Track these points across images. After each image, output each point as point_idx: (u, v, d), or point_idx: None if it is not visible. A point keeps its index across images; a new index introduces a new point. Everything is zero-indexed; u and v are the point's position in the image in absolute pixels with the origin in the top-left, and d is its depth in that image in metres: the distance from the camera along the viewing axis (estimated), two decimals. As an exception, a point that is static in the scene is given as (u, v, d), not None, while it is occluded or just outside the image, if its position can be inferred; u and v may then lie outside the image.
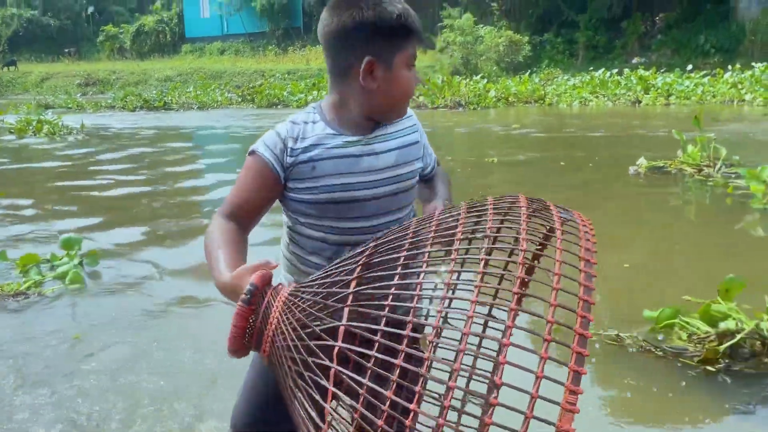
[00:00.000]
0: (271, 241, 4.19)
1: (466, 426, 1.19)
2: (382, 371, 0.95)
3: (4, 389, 2.82)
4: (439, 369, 1.56)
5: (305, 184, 1.37)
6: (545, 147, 10.27)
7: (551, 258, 0.95)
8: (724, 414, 2.48)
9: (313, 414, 0.99)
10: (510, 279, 1.13)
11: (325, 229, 1.41)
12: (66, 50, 42.33)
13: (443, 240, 1.09)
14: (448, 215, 1.15)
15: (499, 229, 1.23)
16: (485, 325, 1.40)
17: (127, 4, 48.13)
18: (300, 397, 1.02)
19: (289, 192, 1.40)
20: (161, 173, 8.89)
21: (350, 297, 1.04)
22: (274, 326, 1.07)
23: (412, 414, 0.88)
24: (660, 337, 3.08)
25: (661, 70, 21.00)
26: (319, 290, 1.10)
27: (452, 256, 1.03)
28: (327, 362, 0.98)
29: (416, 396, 0.90)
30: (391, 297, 1.01)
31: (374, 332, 0.98)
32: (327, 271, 1.15)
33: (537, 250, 1.23)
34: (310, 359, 1.01)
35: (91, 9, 45.41)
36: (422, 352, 0.96)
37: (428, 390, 1.36)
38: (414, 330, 0.95)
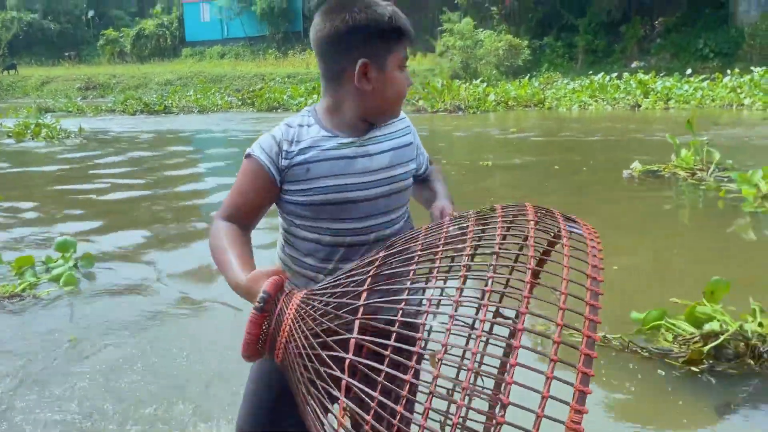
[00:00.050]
0: (269, 245, 4.18)
1: None
2: (390, 385, 0.96)
3: (0, 391, 2.83)
4: (443, 387, 1.56)
5: (300, 186, 1.38)
6: (541, 151, 10.31)
7: (557, 275, 0.94)
8: (706, 413, 2.52)
9: (325, 421, 1.00)
10: (517, 297, 1.13)
11: (320, 231, 1.42)
12: (66, 54, 42.39)
13: (452, 255, 1.10)
14: (457, 226, 1.16)
15: (504, 237, 1.23)
16: (487, 343, 1.41)
17: (128, 8, 48.25)
18: (312, 404, 1.03)
19: (284, 194, 1.41)
20: (159, 177, 8.90)
21: (360, 310, 1.05)
22: (287, 333, 1.09)
23: (420, 429, 0.89)
24: (645, 338, 3.11)
25: (661, 74, 21.03)
26: (330, 300, 1.11)
27: (461, 273, 1.04)
28: (338, 373, 0.99)
29: (425, 411, 0.91)
30: (400, 313, 1.02)
31: (382, 344, 0.99)
32: (336, 279, 1.16)
33: (542, 257, 1.23)
34: (322, 369, 1.02)
35: (91, 13, 45.51)
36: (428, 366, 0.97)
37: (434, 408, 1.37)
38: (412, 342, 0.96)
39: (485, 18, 28.69)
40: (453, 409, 1.40)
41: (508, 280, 1.25)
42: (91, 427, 2.53)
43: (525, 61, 26.40)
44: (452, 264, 1.12)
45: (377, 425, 0.92)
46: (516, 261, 1.27)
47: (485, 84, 21.84)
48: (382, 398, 0.94)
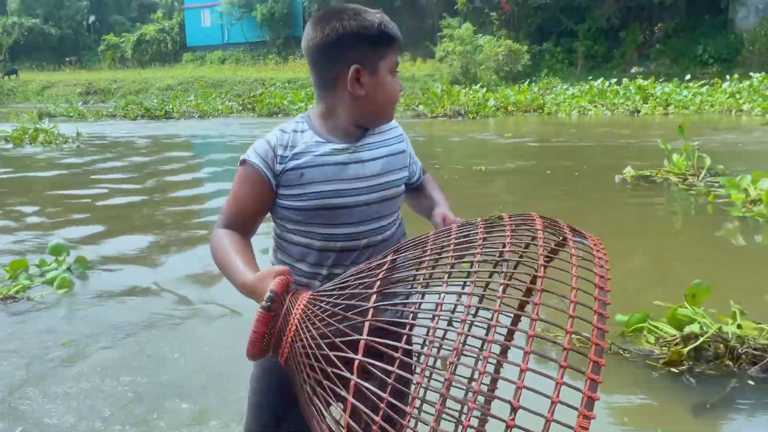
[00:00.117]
0: (265, 250, 4.19)
1: None
2: (400, 385, 0.97)
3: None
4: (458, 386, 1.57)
5: (294, 191, 1.40)
6: (536, 156, 10.36)
7: (566, 284, 0.96)
8: (683, 413, 2.57)
9: (330, 421, 1.01)
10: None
11: (312, 236, 1.43)
12: (67, 59, 42.50)
13: (461, 261, 1.12)
14: (465, 233, 1.17)
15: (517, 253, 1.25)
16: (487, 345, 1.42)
17: (129, 13, 48.38)
18: (317, 404, 1.04)
19: (278, 199, 1.43)
20: (156, 182, 8.92)
21: (371, 312, 1.06)
22: (293, 332, 1.10)
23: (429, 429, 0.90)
24: (629, 340, 3.16)
25: (660, 80, 21.09)
26: (339, 301, 1.11)
27: (473, 278, 1.05)
28: (347, 374, 1.00)
29: (437, 414, 0.92)
30: (411, 316, 1.03)
31: (393, 347, 1.00)
32: (344, 281, 1.17)
33: (547, 264, 1.25)
34: (329, 369, 1.03)
35: (92, 18, 45.63)
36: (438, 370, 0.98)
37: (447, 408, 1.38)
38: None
39: (485, 23, 28.77)
40: (454, 411, 1.41)
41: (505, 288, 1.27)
42: (86, 428, 2.53)
43: (524, 67, 26.46)
44: (462, 270, 1.13)
45: (387, 427, 0.93)
46: (516, 268, 1.28)
47: (485, 89, 21.90)
48: (392, 400, 0.95)
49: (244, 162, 1.42)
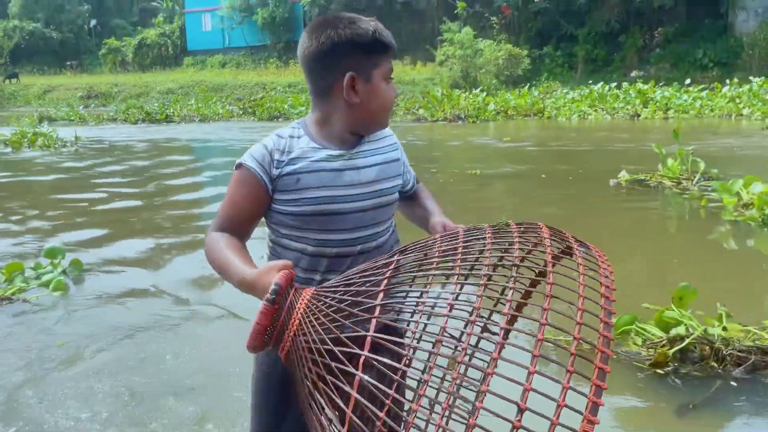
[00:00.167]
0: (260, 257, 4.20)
1: None
2: (404, 381, 1.00)
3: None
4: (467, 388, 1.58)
5: (290, 196, 1.41)
6: (532, 160, 10.42)
7: (573, 291, 0.99)
8: (666, 414, 2.61)
9: (332, 415, 1.02)
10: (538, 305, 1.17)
11: (306, 241, 1.45)
12: (68, 63, 42.55)
13: (469, 264, 1.14)
14: (473, 237, 1.19)
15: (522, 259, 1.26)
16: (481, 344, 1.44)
17: (130, 17, 48.46)
18: (318, 399, 1.05)
19: (274, 204, 1.44)
20: (154, 185, 8.93)
21: (377, 309, 1.07)
22: (296, 326, 1.11)
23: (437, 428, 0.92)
24: (617, 342, 3.19)
25: (660, 84, 21.09)
26: (345, 297, 1.12)
27: (482, 282, 1.07)
28: (351, 369, 1.00)
29: (443, 411, 0.95)
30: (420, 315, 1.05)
31: (399, 344, 1.02)
32: (348, 279, 1.18)
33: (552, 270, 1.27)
34: (333, 364, 1.04)
35: (93, 22, 45.70)
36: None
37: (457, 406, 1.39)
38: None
39: (485, 27, 28.82)
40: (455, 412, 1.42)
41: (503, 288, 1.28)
42: (85, 428, 2.55)
43: (525, 71, 26.49)
44: (470, 273, 1.15)
45: (391, 423, 0.94)
46: (517, 270, 1.30)
47: (485, 93, 21.92)
48: (397, 396, 0.97)
49: (240, 165, 1.43)
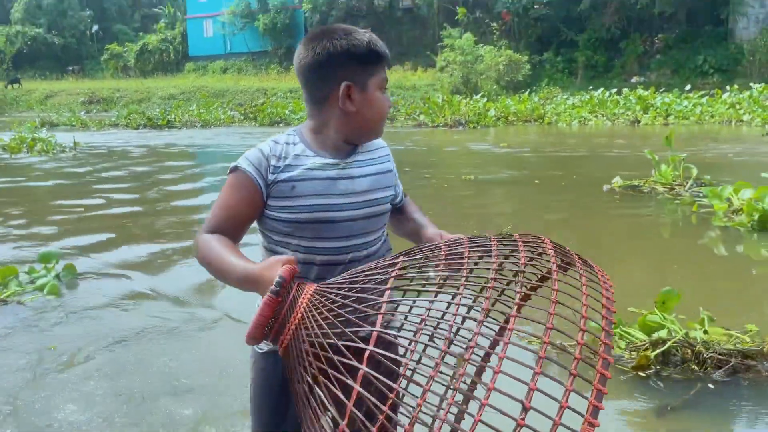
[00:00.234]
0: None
1: None
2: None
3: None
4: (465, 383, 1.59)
5: (284, 203, 1.42)
6: (528, 165, 10.46)
7: (577, 298, 1.03)
8: (646, 415, 2.66)
9: (332, 411, 1.03)
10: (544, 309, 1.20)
11: (298, 248, 1.46)
12: (70, 68, 42.75)
13: (478, 267, 1.15)
14: (478, 243, 1.20)
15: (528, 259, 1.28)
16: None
17: (131, 23, 48.69)
18: (318, 393, 1.05)
19: (268, 209, 1.45)
20: (156, 191, 8.95)
21: (383, 307, 1.07)
22: (297, 320, 1.11)
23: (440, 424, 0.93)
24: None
25: (660, 90, 21.15)
26: (349, 294, 1.13)
27: (490, 285, 1.08)
28: (356, 363, 1.01)
29: (447, 410, 0.97)
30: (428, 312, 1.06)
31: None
32: (353, 276, 1.19)
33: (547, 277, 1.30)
34: (336, 358, 1.04)
35: (95, 28, 45.90)
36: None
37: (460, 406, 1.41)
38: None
39: (485, 33, 28.92)
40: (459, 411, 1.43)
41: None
42: (84, 429, 2.55)
43: (525, 77, 26.57)
44: (478, 276, 1.16)
45: (393, 416, 0.95)
46: (517, 274, 1.32)
47: (485, 99, 21.98)
48: (402, 389, 0.98)
49: (235, 169, 1.44)
